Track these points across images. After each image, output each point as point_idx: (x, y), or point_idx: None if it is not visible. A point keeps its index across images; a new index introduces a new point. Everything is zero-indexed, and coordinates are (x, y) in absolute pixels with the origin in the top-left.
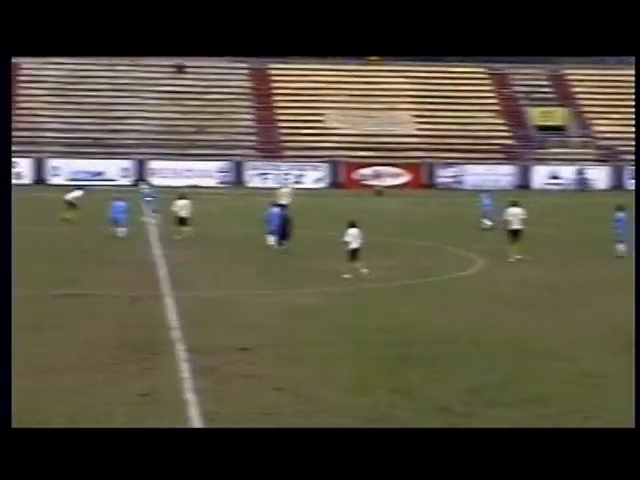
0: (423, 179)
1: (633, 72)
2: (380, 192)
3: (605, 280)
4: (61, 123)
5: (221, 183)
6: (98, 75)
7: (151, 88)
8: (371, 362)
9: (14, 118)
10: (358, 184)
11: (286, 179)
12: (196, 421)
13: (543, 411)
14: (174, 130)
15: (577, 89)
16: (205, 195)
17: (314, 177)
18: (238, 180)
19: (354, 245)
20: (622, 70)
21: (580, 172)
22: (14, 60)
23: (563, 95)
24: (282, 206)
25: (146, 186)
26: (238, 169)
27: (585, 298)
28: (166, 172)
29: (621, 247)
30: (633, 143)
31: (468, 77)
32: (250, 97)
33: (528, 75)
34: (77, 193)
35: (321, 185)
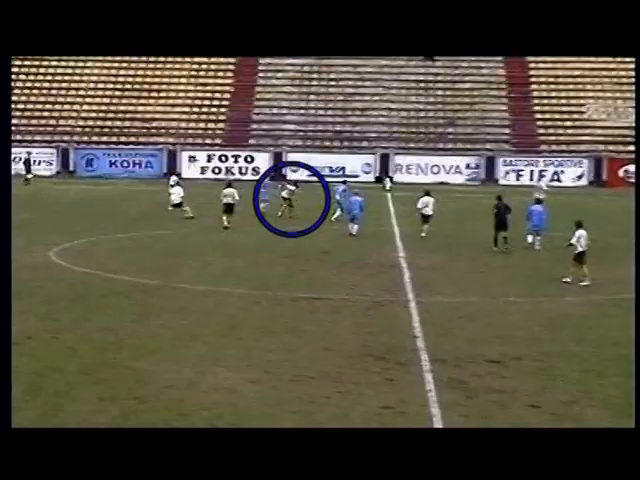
0: None
1: None
2: None
3: None
4: (300, 115)
5: (470, 180)
6: (340, 63)
7: (397, 77)
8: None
9: (253, 110)
10: (624, 182)
11: (542, 176)
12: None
13: None
14: (420, 122)
15: None
16: (453, 193)
17: (574, 174)
18: (489, 177)
19: (580, 248)
20: None
21: None
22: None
23: None
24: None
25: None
26: (490, 165)
27: None
28: (411, 168)
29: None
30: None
31: None
32: (505, 87)
33: None
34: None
35: (581, 183)
